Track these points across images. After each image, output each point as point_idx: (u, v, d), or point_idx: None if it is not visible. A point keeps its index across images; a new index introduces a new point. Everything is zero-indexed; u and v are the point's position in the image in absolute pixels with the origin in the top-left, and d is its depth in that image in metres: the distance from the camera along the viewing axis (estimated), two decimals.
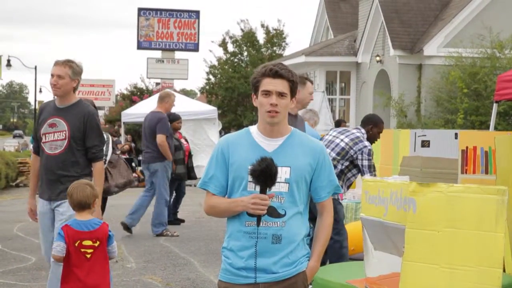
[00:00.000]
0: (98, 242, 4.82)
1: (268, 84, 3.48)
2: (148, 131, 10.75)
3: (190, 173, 12.73)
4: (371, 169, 7.36)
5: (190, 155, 12.93)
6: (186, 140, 13.21)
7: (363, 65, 23.54)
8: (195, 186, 15.65)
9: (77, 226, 4.82)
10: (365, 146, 7.41)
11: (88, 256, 4.79)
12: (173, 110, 14.84)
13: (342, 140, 7.50)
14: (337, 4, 29.73)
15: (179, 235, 10.81)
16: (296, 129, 3.64)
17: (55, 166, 5.68)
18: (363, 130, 7.62)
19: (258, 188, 3.42)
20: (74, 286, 4.77)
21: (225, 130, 26.77)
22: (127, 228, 10.79)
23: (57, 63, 5.75)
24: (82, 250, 4.77)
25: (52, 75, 5.69)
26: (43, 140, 5.72)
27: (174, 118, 11.90)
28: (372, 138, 7.62)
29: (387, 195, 4.21)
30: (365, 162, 7.34)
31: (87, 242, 4.79)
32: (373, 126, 7.62)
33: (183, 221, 12.02)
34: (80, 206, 4.88)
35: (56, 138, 5.69)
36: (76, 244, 4.77)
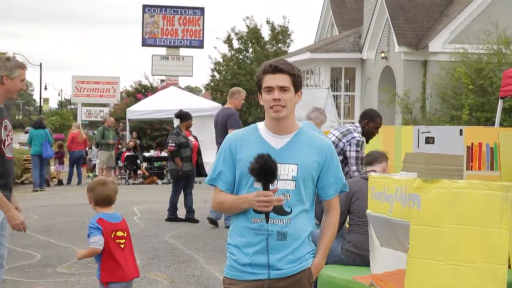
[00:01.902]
0: (125, 233, 5.14)
1: (269, 80, 3.49)
2: (220, 127, 10.97)
3: (200, 170, 12.76)
4: (358, 160, 7.33)
5: (199, 152, 12.95)
6: (195, 138, 13.23)
7: (368, 62, 23.50)
8: (200, 183, 15.66)
9: (109, 219, 5.08)
10: (354, 137, 7.39)
11: (122, 246, 5.09)
12: (178, 107, 14.90)
13: (333, 134, 7.57)
14: (342, 0, 29.69)
15: (185, 232, 10.83)
16: (304, 126, 3.63)
17: (13, 169, 5.47)
18: (357, 124, 7.61)
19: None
20: (118, 275, 5.04)
21: None
22: (213, 222, 11.19)
23: (24, 67, 5.48)
24: (117, 241, 5.06)
25: (24, 80, 5.43)
26: (6, 144, 5.32)
27: (189, 116, 12.32)
28: (369, 133, 7.56)
29: (392, 191, 4.21)
30: (353, 154, 7.34)
31: (120, 233, 5.09)
32: (369, 121, 7.55)
33: (183, 219, 12.03)
34: (107, 201, 5.13)
35: (10, 140, 5.40)
36: (112, 236, 5.04)
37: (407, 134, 10.35)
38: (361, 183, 6.07)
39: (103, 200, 5.11)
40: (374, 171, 6.25)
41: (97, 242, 4.95)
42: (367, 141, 7.65)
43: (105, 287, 5.05)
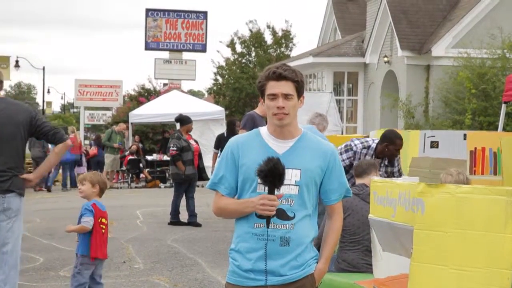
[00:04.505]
0: (107, 221, 6.16)
1: (273, 87, 3.44)
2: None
3: (201, 174, 12.75)
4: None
5: (200, 156, 12.96)
6: (196, 142, 13.25)
7: (371, 66, 23.49)
8: (202, 186, 15.66)
9: (100, 206, 6.09)
10: (346, 144, 7.54)
11: (103, 231, 6.10)
12: (181, 111, 14.91)
13: (355, 144, 7.66)
14: (345, 4, 29.69)
15: (187, 236, 10.82)
16: (307, 131, 3.60)
17: None
18: (369, 142, 7.58)
19: (267, 189, 3.40)
20: (101, 253, 6.06)
21: None
22: None
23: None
24: (101, 225, 6.05)
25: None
26: None
27: (188, 120, 12.32)
28: (389, 156, 7.51)
29: (395, 196, 4.19)
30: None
31: (104, 220, 6.09)
32: (388, 144, 7.46)
33: (185, 223, 12.02)
34: (103, 191, 6.15)
35: None
36: (99, 220, 6.05)
37: (414, 138, 10.35)
38: (351, 199, 5.87)
39: (102, 190, 6.13)
40: (365, 184, 6.13)
41: (88, 222, 5.96)
42: (388, 162, 7.60)
43: (91, 261, 6.04)
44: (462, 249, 3.64)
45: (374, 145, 7.50)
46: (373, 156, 7.46)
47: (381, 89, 22.46)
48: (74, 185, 20.66)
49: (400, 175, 7.68)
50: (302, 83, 3.50)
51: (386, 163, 7.55)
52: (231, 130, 13.26)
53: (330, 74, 24.31)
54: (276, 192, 3.37)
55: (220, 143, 13.60)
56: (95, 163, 22.49)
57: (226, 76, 33.40)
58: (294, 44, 34.18)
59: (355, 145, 7.53)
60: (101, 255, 6.10)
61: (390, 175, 7.56)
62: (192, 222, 11.99)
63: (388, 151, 7.45)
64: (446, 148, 10.09)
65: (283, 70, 3.45)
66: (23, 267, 8.51)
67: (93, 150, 22.72)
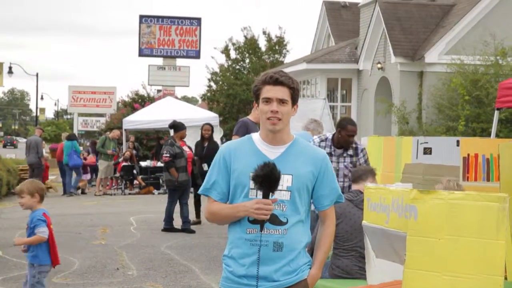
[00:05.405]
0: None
1: (269, 91, 3.48)
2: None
3: (196, 180, 12.74)
4: None
5: (193, 163, 12.95)
6: (190, 148, 13.25)
7: (364, 72, 23.54)
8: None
9: (48, 214, 6.21)
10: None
11: (54, 236, 6.25)
12: (174, 117, 14.91)
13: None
14: (338, 11, 29.74)
15: (181, 242, 10.80)
16: (298, 137, 3.63)
17: None
18: (326, 134, 7.77)
19: (259, 195, 3.41)
20: (57, 259, 6.23)
21: (226, 137, 26.75)
22: None
23: None
24: (53, 232, 6.20)
25: None
26: None
27: (182, 127, 12.32)
28: (343, 142, 7.56)
29: (389, 202, 4.20)
30: None
31: (52, 226, 6.21)
32: (340, 130, 7.57)
33: (179, 230, 12.00)
34: (42, 198, 6.23)
35: None
36: (51, 228, 6.19)
37: (407, 145, 10.35)
38: (344, 205, 5.89)
39: (42, 197, 6.21)
40: (360, 191, 6.11)
41: (45, 232, 6.05)
42: (346, 150, 7.67)
43: (53, 267, 6.25)
44: (455, 256, 3.65)
45: (331, 137, 7.65)
46: (332, 146, 7.56)
47: (374, 96, 22.50)
48: (67, 191, 20.62)
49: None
50: (297, 91, 3.54)
51: (349, 153, 7.61)
52: (201, 135, 13.63)
53: (324, 80, 24.34)
54: (270, 196, 3.39)
55: (197, 149, 13.59)
56: (91, 170, 22.50)
57: (220, 83, 33.42)
58: (287, 51, 34.24)
59: (313, 140, 7.74)
60: (58, 261, 6.31)
61: (355, 166, 7.61)
62: (186, 228, 11.98)
63: (341, 137, 7.56)
64: (439, 154, 10.09)
65: (280, 75, 3.49)
66: (15, 274, 8.49)
67: (91, 158, 22.68)
